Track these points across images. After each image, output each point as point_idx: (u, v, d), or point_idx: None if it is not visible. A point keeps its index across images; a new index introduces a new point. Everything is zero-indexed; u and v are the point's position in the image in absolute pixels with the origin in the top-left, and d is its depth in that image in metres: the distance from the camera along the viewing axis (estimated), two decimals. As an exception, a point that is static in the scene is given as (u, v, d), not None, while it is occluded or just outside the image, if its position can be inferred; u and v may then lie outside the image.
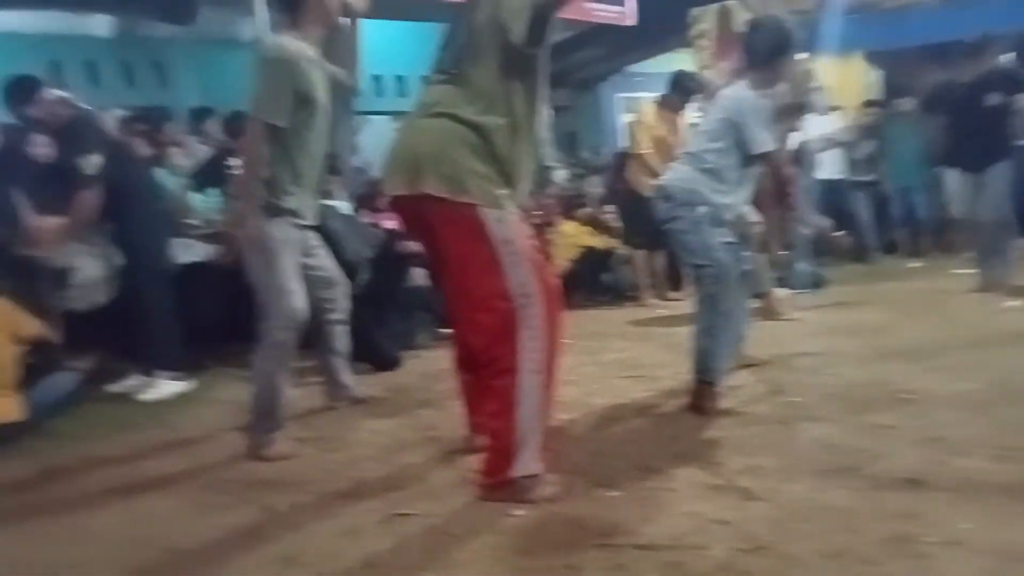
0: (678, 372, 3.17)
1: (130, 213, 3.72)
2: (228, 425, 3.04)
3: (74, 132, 3.66)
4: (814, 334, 3.99)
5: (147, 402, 3.60)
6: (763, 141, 2.80)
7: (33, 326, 3.34)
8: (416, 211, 2.17)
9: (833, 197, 6.78)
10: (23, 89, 3.68)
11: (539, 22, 2.00)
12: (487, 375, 2.10)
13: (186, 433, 3.07)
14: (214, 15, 7.01)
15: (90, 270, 3.87)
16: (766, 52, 2.88)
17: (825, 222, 6.59)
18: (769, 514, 1.93)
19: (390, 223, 4.84)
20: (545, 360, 2.03)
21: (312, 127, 2.77)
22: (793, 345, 3.72)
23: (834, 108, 7.10)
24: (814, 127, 6.25)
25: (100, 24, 9.20)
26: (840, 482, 2.09)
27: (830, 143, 6.79)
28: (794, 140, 5.23)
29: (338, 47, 2.89)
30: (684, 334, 3.00)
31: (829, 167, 6.92)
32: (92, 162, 3.56)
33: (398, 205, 2.25)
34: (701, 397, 2.80)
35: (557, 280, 2.17)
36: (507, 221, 2.05)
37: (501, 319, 2.01)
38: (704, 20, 8.70)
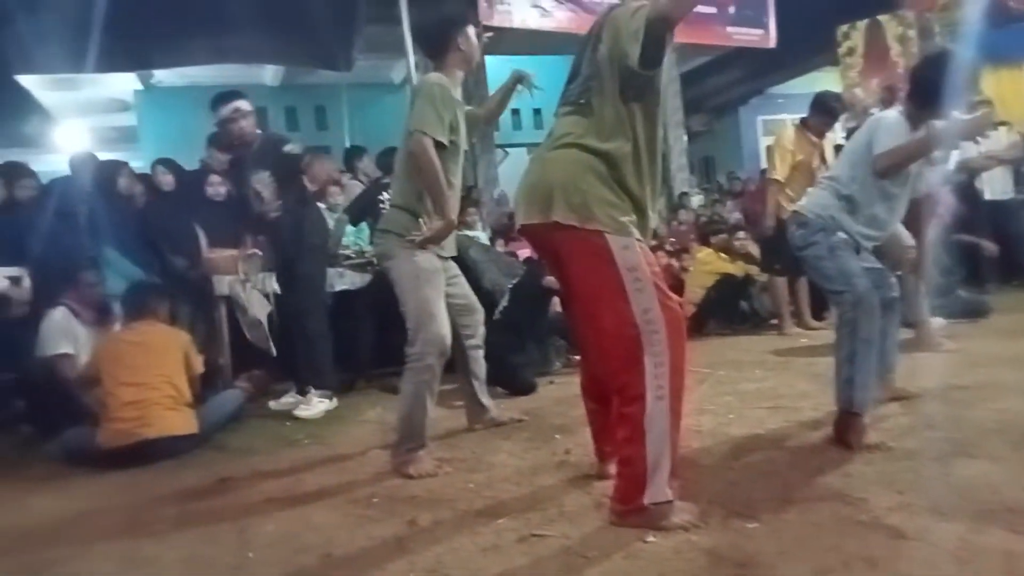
0: (820, 403, 3.07)
1: (298, 244, 4.02)
2: (376, 443, 3.25)
3: (264, 148, 4.06)
4: (973, 365, 3.70)
5: (303, 419, 3.87)
6: (882, 144, 2.68)
7: (198, 365, 3.66)
8: (545, 240, 2.24)
9: (1000, 219, 6.31)
10: (229, 93, 4.12)
11: (654, 43, 2.02)
12: (620, 403, 2.12)
13: (338, 450, 3.27)
14: (368, 61, 7.51)
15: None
16: (931, 92, 2.73)
17: (991, 246, 6.14)
18: (920, 554, 1.82)
19: (528, 253, 4.99)
20: (671, 386, 2.03)
21: (454, 162, 2.95)
22: (948, 377, 3.47)
23: (1001, 123, 6.62)
24: (978, 145, 5.87)
25: (268, 74, 10.09)
26: (1002, 524, 1.93)
27: (995, 161, 6.33)
28: (951, 160, 4.93)
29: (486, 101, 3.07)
30: (826, 364, 2.89)
31: (995, 187, 6.45)
32: (293, 147, 3.99)
33: (527, 234, 2.33)
34: (845, 429, 2.67)
35: (681, 307, 2.17)
36: (632, 248, 2.08)
37: (627, 346, 2.04)
38: (852, 37, 8.38)
